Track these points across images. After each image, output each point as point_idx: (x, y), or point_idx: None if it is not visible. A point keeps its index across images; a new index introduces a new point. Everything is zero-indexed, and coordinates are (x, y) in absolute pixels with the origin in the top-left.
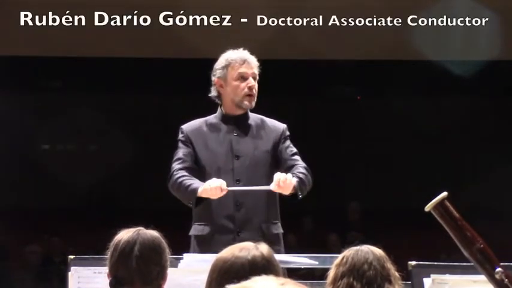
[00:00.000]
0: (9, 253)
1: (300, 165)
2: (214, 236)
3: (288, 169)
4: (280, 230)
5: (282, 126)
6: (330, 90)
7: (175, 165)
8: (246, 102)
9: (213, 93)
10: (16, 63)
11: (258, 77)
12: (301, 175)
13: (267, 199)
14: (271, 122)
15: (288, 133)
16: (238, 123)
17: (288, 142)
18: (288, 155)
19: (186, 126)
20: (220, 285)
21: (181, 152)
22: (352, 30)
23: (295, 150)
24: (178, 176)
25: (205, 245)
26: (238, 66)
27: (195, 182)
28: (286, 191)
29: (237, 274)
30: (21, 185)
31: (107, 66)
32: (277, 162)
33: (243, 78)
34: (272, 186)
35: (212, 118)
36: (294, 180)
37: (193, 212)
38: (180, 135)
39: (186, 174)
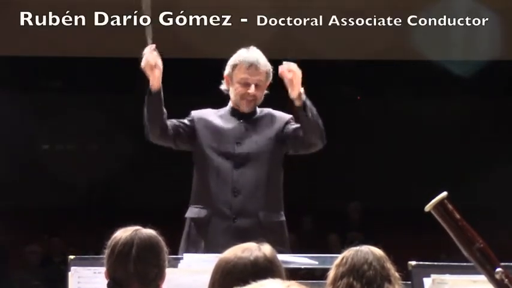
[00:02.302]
0: (9, 253)
1: None
2: (211, 220)
3: (294, 132)
4: (282, 218)
5: (289, 116)
6: (330, 90)
7: None
8: (243, 106)
9: (224, 86)
10: (16, 63)
11: (268, 80)
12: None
13: (267, 187)
14: (279, 113)
15: (293, 122)
16: (245, 116)
17: (293, 123)
18: (292, 129)
19: (195, 111)
20: (223, 286)
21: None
22: (352, 30)
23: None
24: None
25: (202, 228)
26: (243, 70)
27: None
28: (295, 87)
29: (240, 275)
30: (21, 185)
31: (107, 66)
32: (288, 143)
33: (245, 84)
34: (282, 69)
35: (222, 110)
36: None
37: (192, 194)
38: (186, 118)
39: None
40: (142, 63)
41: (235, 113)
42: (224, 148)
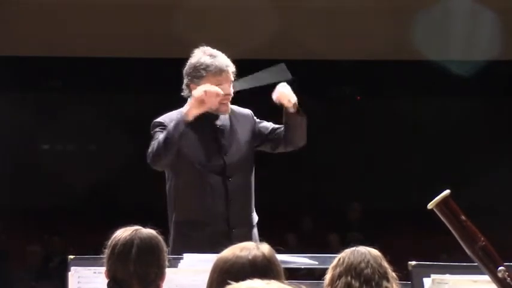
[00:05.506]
0: (9, 253)
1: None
2: (207, 232)
3: (278, 132)
4: (257, 218)
5: (250, 112)
6: (330, 90)
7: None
8: (224, 109)
9: (186, 93)
10: (16, 63)
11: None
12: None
13: (251, 190)
14: (239, 110)
15: (257, 119)
16: (215, 118)
17: (263, 121)
18: (269, 128)
19: (165, 120)
20: (221, 285)
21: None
22: (352, 30)
23: (269, 122)
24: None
25: (196, 240)
26: (216, 78)
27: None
28: (290, 101)
29: (238, 274)
30: (22, 185)
31: (107, 66)
32: (264, 141)
33: (221, 89)
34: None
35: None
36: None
37: (177, 208)
38: (159, 128)
39: None
40: (198, 93)
41: (203, 116)
42: (214, 161)
